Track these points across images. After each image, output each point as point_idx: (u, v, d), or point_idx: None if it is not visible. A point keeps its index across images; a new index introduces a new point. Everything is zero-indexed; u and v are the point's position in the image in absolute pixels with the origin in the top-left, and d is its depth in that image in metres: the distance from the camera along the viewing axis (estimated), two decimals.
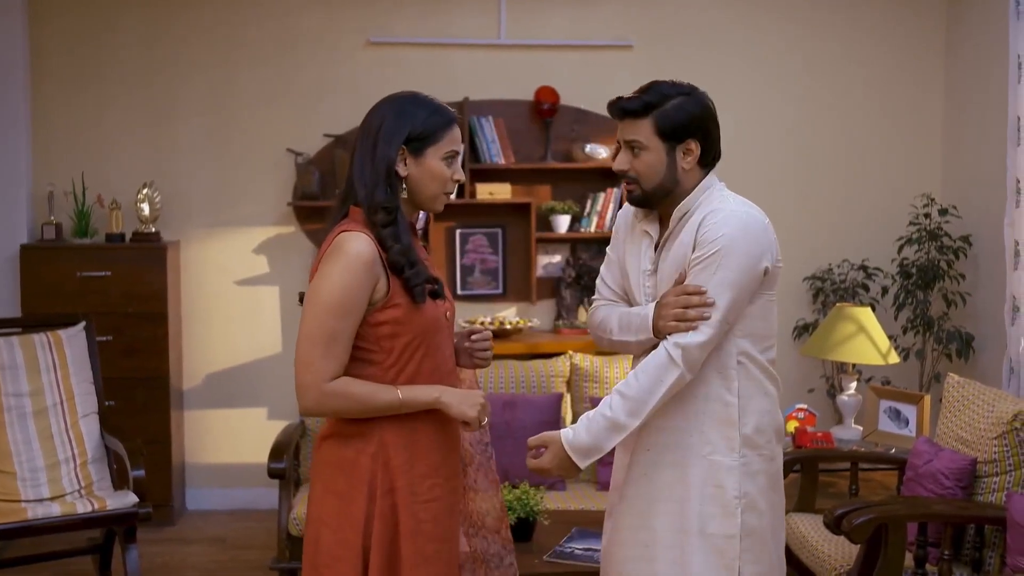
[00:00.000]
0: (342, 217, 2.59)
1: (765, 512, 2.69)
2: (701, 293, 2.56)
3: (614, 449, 2.78)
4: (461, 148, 2.64)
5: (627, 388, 2.60)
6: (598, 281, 2.89)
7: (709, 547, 2.64)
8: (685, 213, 2.68)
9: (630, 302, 2.80)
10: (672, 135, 2.65)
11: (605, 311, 2.80)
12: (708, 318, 2.56)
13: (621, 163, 2.70)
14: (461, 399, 2.58)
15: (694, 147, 2.66)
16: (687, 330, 2.56)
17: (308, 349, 2.49)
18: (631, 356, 2.81)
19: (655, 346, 2.63)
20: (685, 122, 2.65)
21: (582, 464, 2.63)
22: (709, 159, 2.71)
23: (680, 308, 2.57)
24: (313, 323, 2.48)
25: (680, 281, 2.62)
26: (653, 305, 2.66)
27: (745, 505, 2.65)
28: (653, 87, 2.69)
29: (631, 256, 2.79)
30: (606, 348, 2.85)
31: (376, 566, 2.52)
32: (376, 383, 2.53)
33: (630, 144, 2.68)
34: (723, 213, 2.61)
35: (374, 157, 2.55)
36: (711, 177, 2.73)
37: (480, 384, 4.28)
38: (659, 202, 2.70)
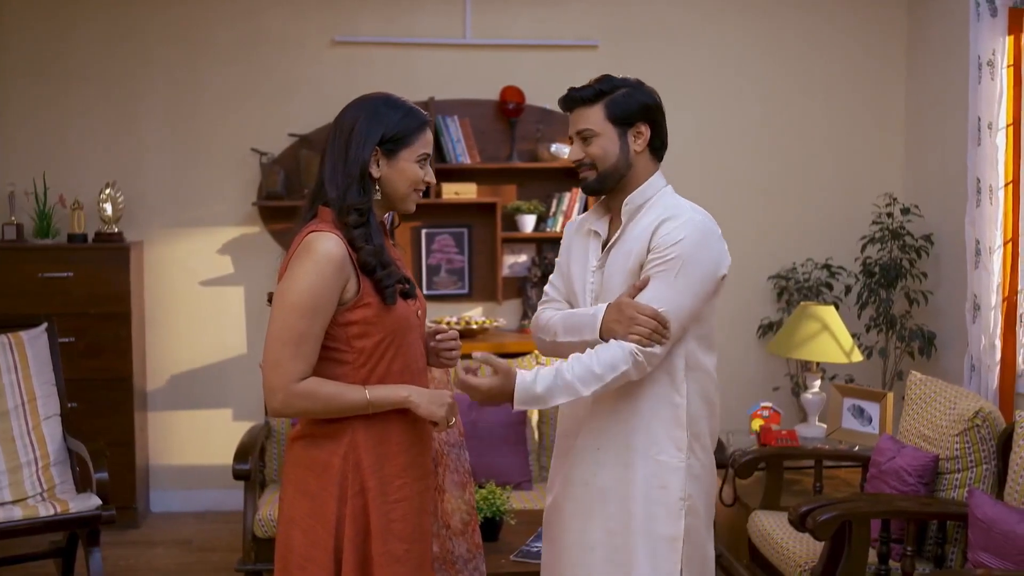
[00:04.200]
0: (311, 217, 2.58)
1: (701, 515, 2.73)
2: (666, 324, 2.60)
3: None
4: (432, 150, 2.65)
5: (587, 358, 2.61)
6: (548, 286, 2.94)
7: (653, 549, 2.66)
8: (636, 208, 2.73)
9: (573, 307, 2.83)
10: (623, 120, 2.73)
11: (550, 313, 2.84)
12: (667, 340, 2.62)
13: (575, 153, 2.78)
14: (429, 399, 2.58)
15: (644, 130, 2.75)
16: (648, 346, 2.59)
17: (277, 350, 2.48)
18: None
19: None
20: (634, 107, 2.74)
21: (518, 406, 2.63)
22: (658, 145, 2.79)
23: (648, 329, 2.58)
24: (281, 324, 2.48)
25: (642, 286, 2.64)
26: (603, 307, 2.68)
27: (688, 507, 2.68)
28: (605, 78, 2.78)
29: (576, 257, 2.85)
30: (546, 351, 2.87)
31: (349, 567, 2.52)
32: (344, 383, 2.53)
33: (581, 134, 2.75)
34: (682, 219, 2.65)
35: (347, 158, 2.55)
36: (661, 177, 2.79)
37: (451, 386, 4.27)
38: (613, 188, 2.76)
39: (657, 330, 2.59)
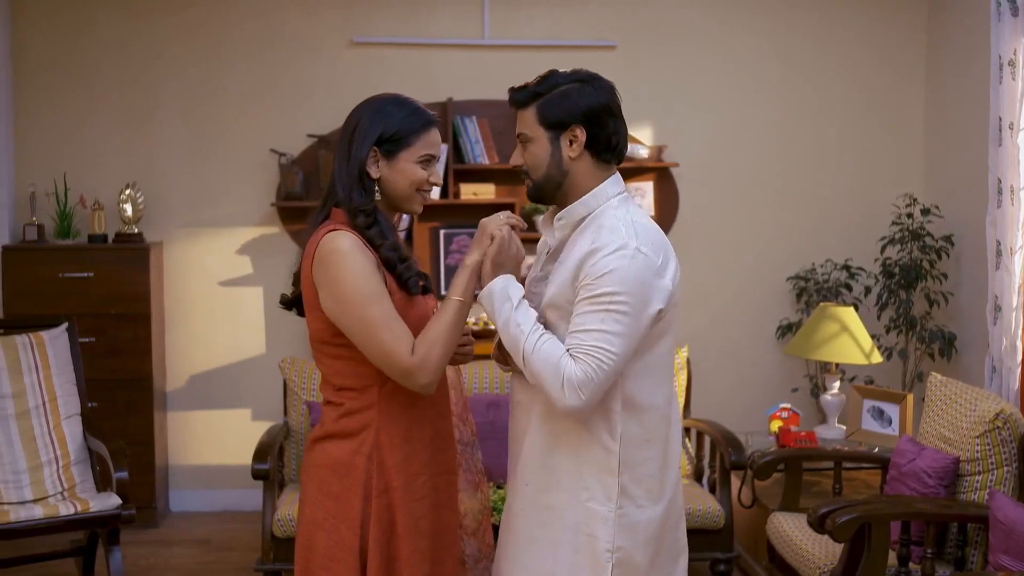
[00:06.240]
0: (324, 218, 2.58)
1: (642, 568, 2.52)
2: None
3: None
4: (438, 151, 2.63)
5: (540, 345, 2.43)
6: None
7: None
8: (576, 221, 2.54)
9: None
10: (555, 123, 2.51)
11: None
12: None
13: (514, 158, 2.62)
14: (482, 247, 2.58)
15: (579, 133, 2.50)
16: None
17: (377, 346, 2.46)
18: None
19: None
20: (568, 108, 2.50)
21: (486, 280, 2.53)
22: (601, 149, 2.53)
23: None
24: (362, 326, 2.46)
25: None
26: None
27: (618, 560, 2.48)
28: (547, 76, 2.57)
29: (535, 260, 2.72)
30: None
31: (374, 566, 2.52)
32: (436, 315, 2.53)
33: (520, 137, 2.59)
34: (612, 248, 2.40)
35: (349, 158, 2.55)
36: (614, 184, 2.56)
37: (464, 384, 4.26)
38: (552, 196, 2.58)
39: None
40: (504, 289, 2.50)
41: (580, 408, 2.40)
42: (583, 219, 2.54)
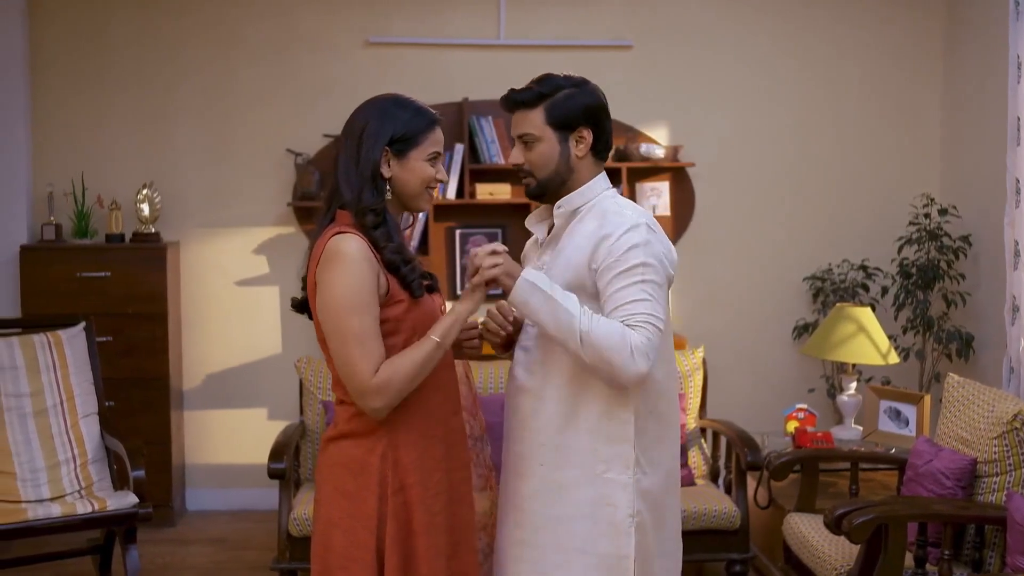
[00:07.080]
0: (329, 221, 2.60)
1: (650, 532, 2.64)
2: (506, 314, 2.71)
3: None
4: (443, 148, 2.67)
5: (596, 323, 2.49)
6: None
7: (600, 568, 2.60)
8: (572, 212, 2.67)
9: None
10: (564, 124, 2.65)
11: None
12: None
13: (515, 157, 2.70)
14: (469, 299, 2.63)
15: (587, 135, 2.67)
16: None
17: (344, 358, 2.48)
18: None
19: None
20: (576, 111, 2.65)
21: (527, 274, 2.56)
22: (601, 147, 2.70)
23: (495, 323, 2.73)
24: (338, 332, 2.48)
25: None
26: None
27: (637, 524, 2.61)
28: (546, 79, 2.68)
29: (529, 256, 2.84)
30: None
31: (392, 565, 2.53)
32: (410, 347, 2.53)
33: (523, 138, 2.68)
34: (627, 226, 2.57)
35: (359, 160, 2.58)
36: (603, 179, 2.71)
37: (479, 383, 4.28)
38: (555, 193, 2.69)
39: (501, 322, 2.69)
40: (535, 283, 2.56)
41: (646, 373, 2.51)
42: (578, 209, 2.68)
